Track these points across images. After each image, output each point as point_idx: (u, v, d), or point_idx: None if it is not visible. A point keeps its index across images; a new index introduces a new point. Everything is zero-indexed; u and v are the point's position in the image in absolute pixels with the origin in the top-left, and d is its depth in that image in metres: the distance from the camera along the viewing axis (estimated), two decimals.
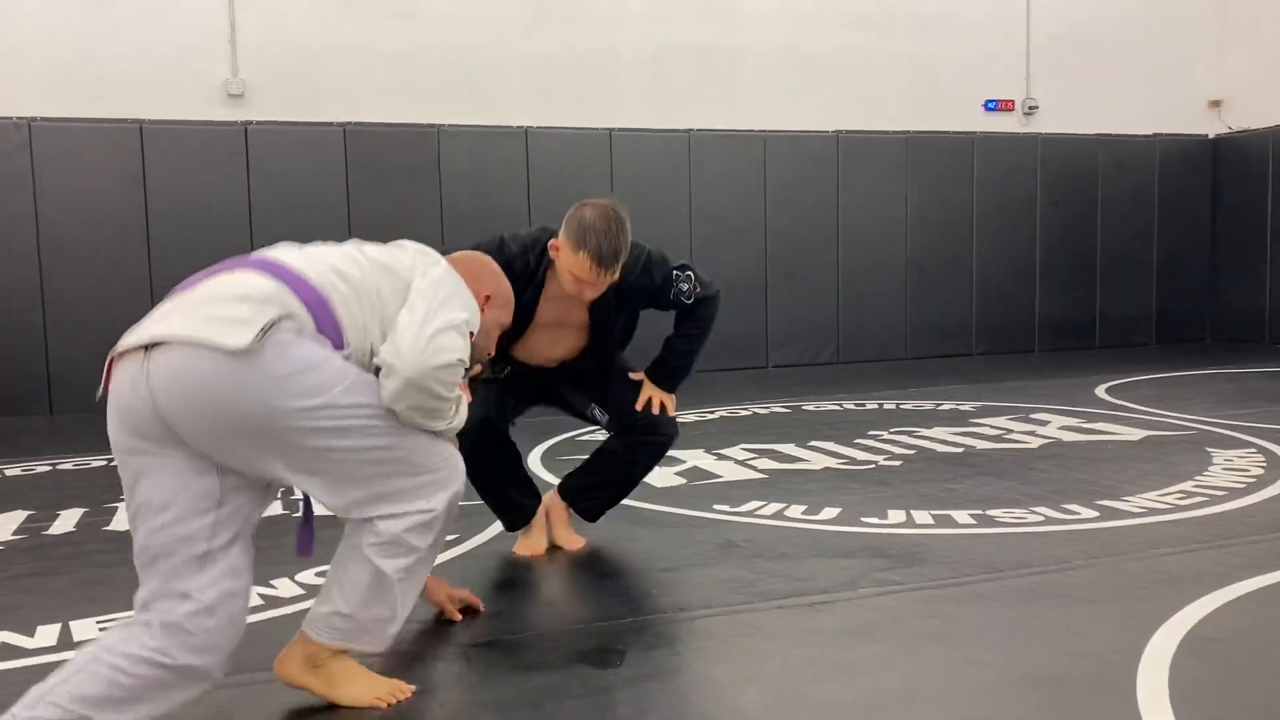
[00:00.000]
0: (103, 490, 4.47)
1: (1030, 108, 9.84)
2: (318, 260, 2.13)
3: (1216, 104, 10.42)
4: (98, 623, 2.75)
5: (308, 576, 3.11)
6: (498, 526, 3.64)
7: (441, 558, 3.26)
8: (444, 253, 2.37)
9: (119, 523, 3.89)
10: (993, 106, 9.75)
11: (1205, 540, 3.25)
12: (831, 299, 9.26)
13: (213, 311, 1.93)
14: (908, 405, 6.46)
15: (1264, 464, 4.37)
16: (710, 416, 6.17)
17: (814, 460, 4.76)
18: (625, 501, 3.97)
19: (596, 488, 3.34)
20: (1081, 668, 2.32)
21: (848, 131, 9.19)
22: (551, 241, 2.93)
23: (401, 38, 8.07)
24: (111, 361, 1.98)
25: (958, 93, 9.59)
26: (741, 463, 4.72)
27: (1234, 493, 3.88)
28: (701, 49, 8.85)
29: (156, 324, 1.95)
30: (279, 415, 1.92)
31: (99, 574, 3.25)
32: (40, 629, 2.73)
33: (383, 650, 2.22)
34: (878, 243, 9.32)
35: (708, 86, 8.89)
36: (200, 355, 1.88)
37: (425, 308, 2.08)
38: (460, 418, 2.19)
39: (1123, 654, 2.35)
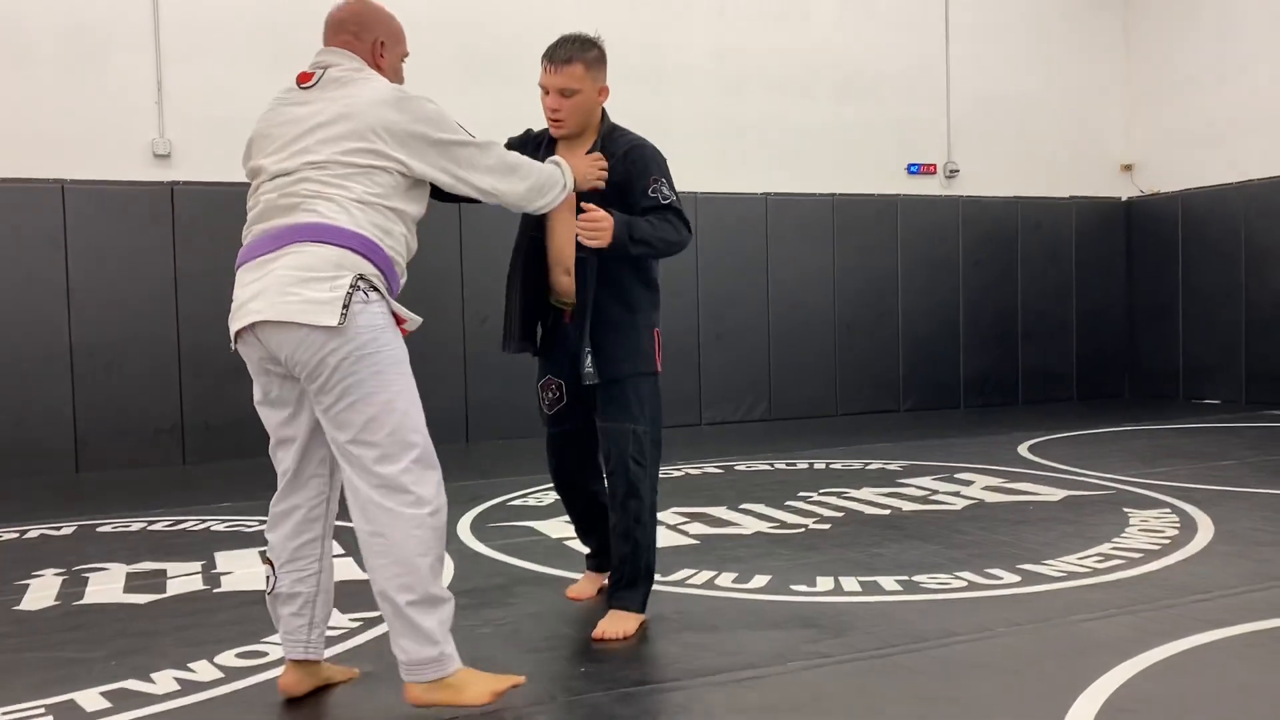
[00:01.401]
0: (12, 566, 4.32)
1: (952, 171, 10.14)
2: (356, 208, 2.46)
3: (1128, 168, 10.85)
4: (1, 713, 2.65)
5: (228, 658, 3.03)
6: None
7: (361, 636, 3.21)
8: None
9: (29, 602, 3.76)
10: (915, 170, 10.02)
11: (1122, 605, 3.33)
12: (763, 357, 9.37)
13: (298, 293, 2.37)
14: (837, 465, 6.53)
15: (1177, 525, 4.50)
16: (674, 474, 6.15)
17: (745, 524, 4.78)
18: (554, 572, 3.96)
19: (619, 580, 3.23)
20: None
21: (776, 194, 9.38)
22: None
23: None
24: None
25: (882, 156, 9.85)
26: (674, 527, 4.72)
27: (1149, 555, 3.99)
28: (631, 113, 8.96)
29: (252, 301, 2.43)
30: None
31: (3, 660, 3.13)
32: None
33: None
34: (807, 301, 9.48)
35: None
36: (302, 331, 2.37)
37: (471, 176, 2.69)
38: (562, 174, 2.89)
39: None
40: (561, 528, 4.75)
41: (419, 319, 2.63)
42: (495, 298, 8.59)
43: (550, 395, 3.37)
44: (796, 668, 2.85)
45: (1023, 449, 7.03)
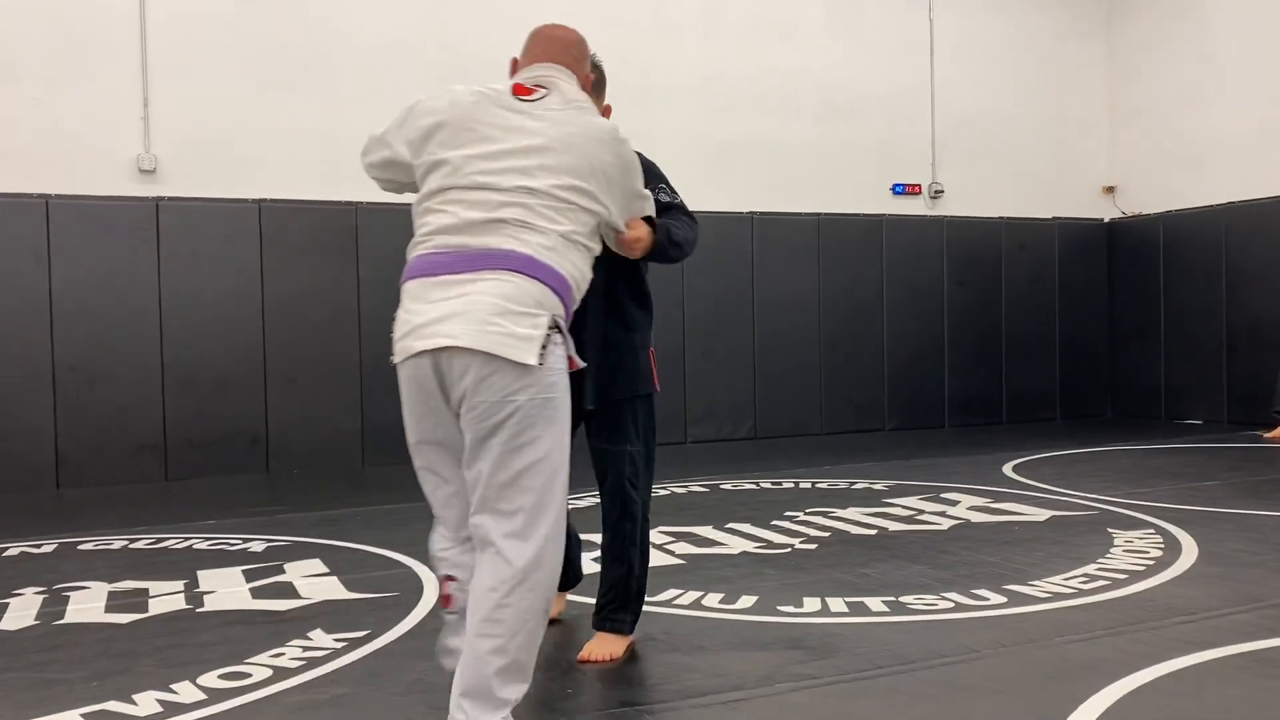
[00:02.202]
0: None
1: (936, 191, 10.21)
2: (562, 245, 2.35)
3: (1110, 190, 10.95)
4: None
5: (210, 679, 3.00)
6: (407, 624, 3.58)
7: (346, 657, 3.19)
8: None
9: (9, 621, 3.71)
10: (900, 190, 10.09)
11: (1107, 627, 3.34)
12: (748, 376, 9.39)
13: (502, 325, 2.23)
14: (823, 484, 6.54)
15: (1161, 545, 4.52)
16: None
17: (731, 544, 4.78)
18: None
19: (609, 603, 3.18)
20: None
21: (761, 213, 9.42)
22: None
23: (320, 114, 8.06)
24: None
25: (867, 176, 9.91)
26: (660, 547, 4.71)
27: (1134, 576, 4.00)
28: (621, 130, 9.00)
29: (445, 324, 2.25)
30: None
31: None
32: None
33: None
34: (792, 320, 9.51)
35: None
36: (497, 364, 2.23)
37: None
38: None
39: None
40: None
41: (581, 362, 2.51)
42: None
43: None
44: (784, 689, 2.84)
45: (1007, 469, 7.05)
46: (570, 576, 3.52)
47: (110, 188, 7.50)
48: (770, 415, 9.41)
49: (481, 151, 2.35)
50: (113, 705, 2.81)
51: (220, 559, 4.70)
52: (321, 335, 7.97)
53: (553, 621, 3.52)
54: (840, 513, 5.49)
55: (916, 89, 10.13)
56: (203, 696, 2.88)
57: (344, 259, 8.04)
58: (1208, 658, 3.02)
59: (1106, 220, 10.92)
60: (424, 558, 4.54)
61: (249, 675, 3.03)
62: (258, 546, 4.97)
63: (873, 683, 2.88)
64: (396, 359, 2.38)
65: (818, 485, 6.51)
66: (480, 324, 2.22)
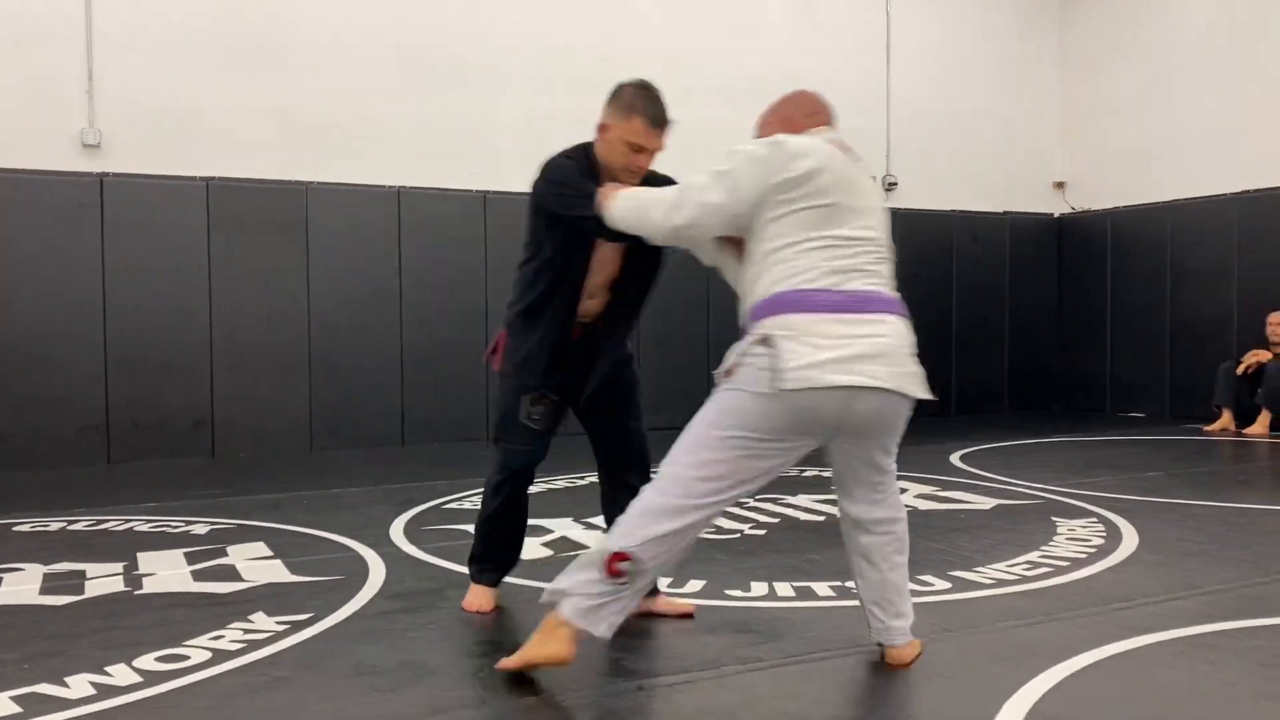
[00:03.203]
0: None
1: (890, 184, 10.28)
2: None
3: (1061, 185, 11.10)
4: None
5: (147, 662, 2.94)
6: (351, 607, 3.53)
7: (287, 640, 3.14)
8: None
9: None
10: None
11: (1049, 612, 3.38)
12: (703, 364, 9.39)
13: (905, 367, 2.62)
14: None
15: (1103, 534, 4.59)
16: (579, 483, 6.14)
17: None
18: None
19: None
20: None
21: None
22: (599, 126, 3.18)
23: (273, 92, 7.93)
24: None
25: None
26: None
27: (1076, 563, 4.06)
28: (581, 119, 8.94)
29: (874, 364, 2.55)
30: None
31: None
32: None
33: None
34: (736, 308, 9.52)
35: None
36: (899, 400, 2.65)
37: None
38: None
39: None
40: None
41: None
42: (431, 301, 8.49)
43: (543, 408, 3.32)
44: (729, 672, 2.85)
45: (955, 458, 7.13)
46: (515, 559, 3.52)
47: (53, 162, 7.31)
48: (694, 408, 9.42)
49: (867, 205, 2.69)
50: (45, 688, 2.74)
51: (161, 541, 4.61)
52: (269, 317, 7.85)
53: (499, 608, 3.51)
54: (790, 499, 5.52)
55: (873, 83, 10.18)
56: (138, 679, 2.82)
57: (293, 240, 7.92)
58: (1145, 642, 3.07)
59: (1057, 215, 11.07)
60: (370, 541, 4.50)
61: (186, 658, 2.98)
62: (200, 529, 4.88)
63: (817, 665, 2.89)
64: (791, 386, 2.50)
65: None
66: (899, 367, 2.60)
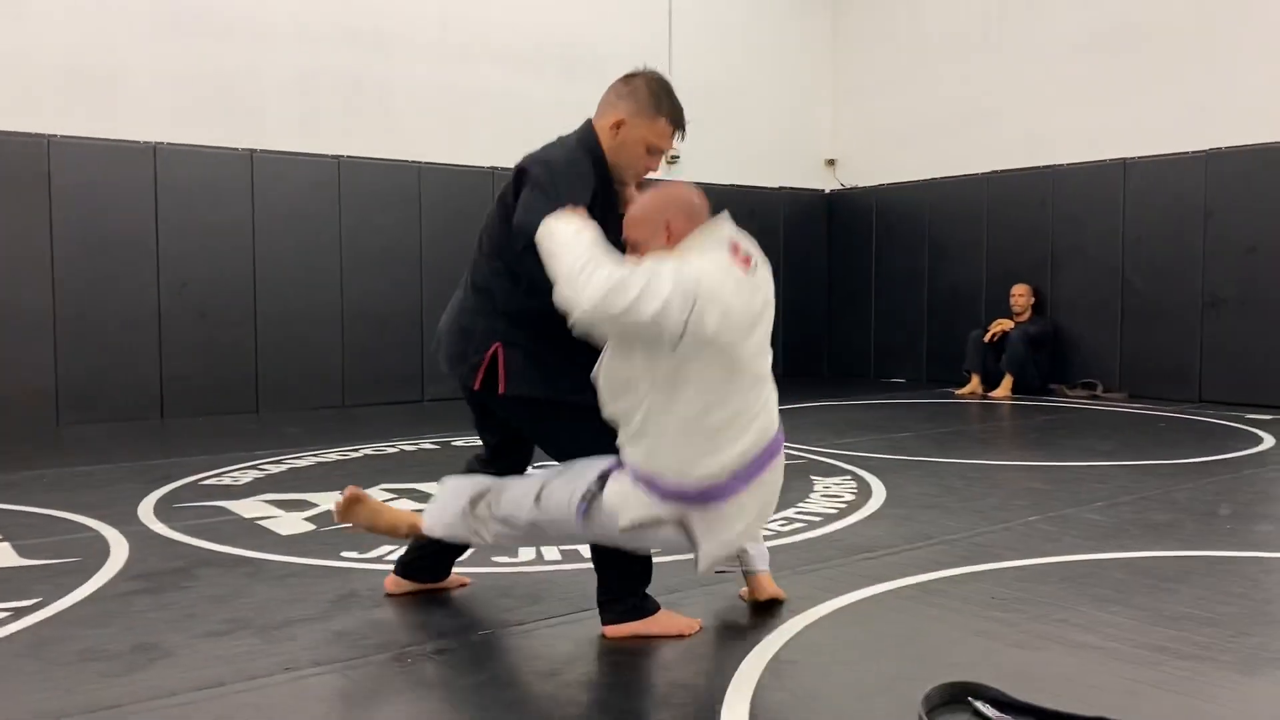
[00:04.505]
0: None
1: (672, 157, 10.47)
2: None
3: (831, 162, 11.63)
4: None
5: None
6: (86, 589, 3.30)
7: (9, 627, 2.90)
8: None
9: None
10: None
11: (798, 565, 3.56)
12: None
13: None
14: None
15: (855, 490, 4.88)
16: (352, 455, 5.97)
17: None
18: (242, 552, 3.75)
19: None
20: (678, 696, 2.45)
21: (503, 168, 9.31)
22: (613, 120, 2.82)
23: (7, 35, 7.22)
24: None
25: None
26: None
27: (828, 518, 4.29)
28: (356, 79, 8.63)
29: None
30: None
31: None
32: None
33: None
34: None
35: (360, 113, 8.67)
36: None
37: None
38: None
39: (714, 681, 2.51)
40: (256, 507, 4.52)
41: None
42: (190, 264, 7.99)
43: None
44: (487, 635, 2.84)
45: None
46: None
47: None
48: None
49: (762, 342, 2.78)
50: None
51: None
52: (8, 283, 7.18)
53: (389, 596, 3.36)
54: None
55: (655, 54, 10.30)
56: None
57: (34, 197, 7.26)
58: (882, 590, 3.28)
59: (827, 191, 11.60)
60: (114, 520, 4.22)
61: None
62: None
63: (572, 626, 2.93)
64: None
65: None
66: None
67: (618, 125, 2.83)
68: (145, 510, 4.46)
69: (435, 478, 5.16)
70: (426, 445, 6.40)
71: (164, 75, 7.80)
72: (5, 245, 7.15)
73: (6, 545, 3.86)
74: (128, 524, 4.19)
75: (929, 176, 10.58)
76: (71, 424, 7.33)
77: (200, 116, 7.92)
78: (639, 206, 2.65)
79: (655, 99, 2.83)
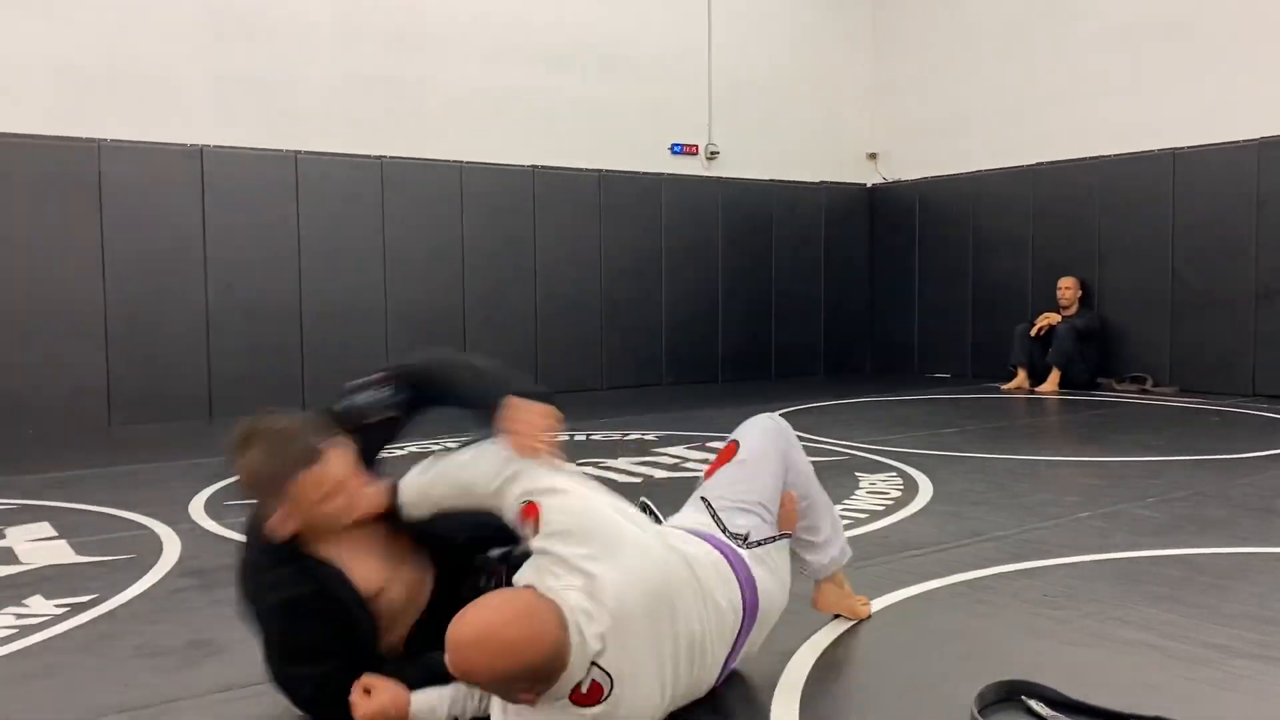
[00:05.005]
0: None
1: (712, 152, 10.44)
2: None
3: (873, 156, 11.52)
4: None
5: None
6: (139, 587, 3.35)
7: (66, 623, 2.95)
8: None
9: None
10: (679, 150, 10.25)
11: (846, 562, 3.53)
12: (529, 330, 9.35)
13: None
14: (597, 436, 6.61)
15: (901, 487, 4.83)
16: (397, 452, 6.00)
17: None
18: None
19: None
20: (727, 694, 2.44)
21: (543, 166, 9.34)
22: (276, 520, 2.15)
23: (58, 41, 7.35)
24: None
25: (646, 135, 10.01)
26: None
27: (874, 515, 4.26)
28: (391, 77, 8.69)
29: None
30: None
31: None
32: None
33: None
34: (574, 276, 9.53)
35: (401, 114, 8.74)
36: None
37: None
38: None
39: (764, 677, 2.49)
40: None
41: None
42: (236, 265, 8.11)
43: None
44: None
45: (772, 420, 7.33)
46: None
47: None
48: (550, 370, 9.39)
49: None
50: None
51: None
52: (61, 285, 7.32)
53: None
54: (610, 463, 5.57)
55: (695, 49, 10.28)
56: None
57: (86, 200, 7.39)
58: (931, 587, 3.25)
59: (869, 185, 11.50)
60: (167, 518, 4.28)
61: None
62: None
63: None
64: None
65: (592, 438, 6.57)
66: None
67: (286, 519, 2.16)
68: (196, 507, 4.52)
69: None
70: (454, 444, 6.42)
71: (210, 79, 7.91)
72: (58, 248, 7.28)
73: (63, 543, 3.93)
74: (180, 521, 4.25)
75: (973, 169, 10.45)
76: (123, 423, 7.46)
77: (245, 119, 8.02)
78: (469, 661, 1.88)
79: (271, 471, 2.14)
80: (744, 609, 2.30)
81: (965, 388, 9.53)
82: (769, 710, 2.31)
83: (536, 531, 2.08)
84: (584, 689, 1.96)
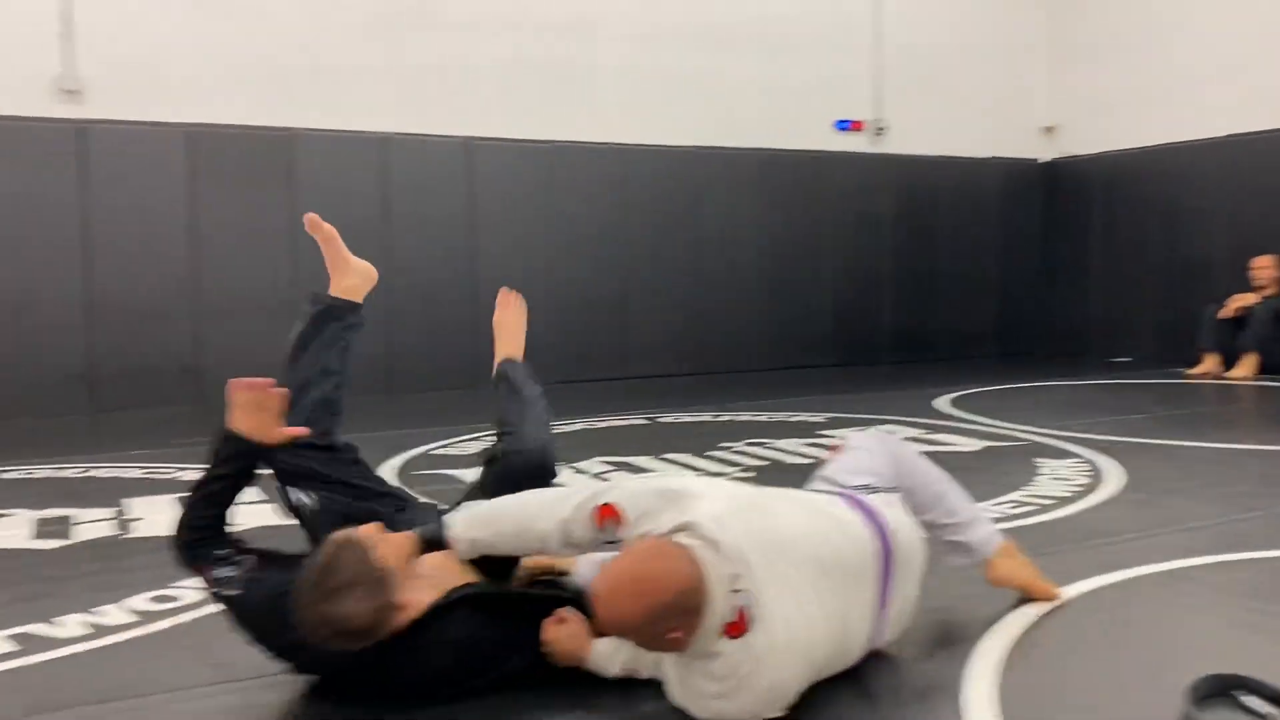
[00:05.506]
0: None
1: (879, 129, 10.21)
2: None
3: (1049, 130, 11.03)
4: None
5: (138, 602, 2.96)
6: None
7: None
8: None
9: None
10: (844, 126, 10.07)
11: (1031, 549, 3.39)
12: (690, 311, 9.39)
13: None
14: (761, 417, 6.60)
15: (1087, 473, 4.64)
16: (568, 429, 6.16)
17: (668, 473, 4.80)
18: None
19: None
20: (911, 676, 2.41)
21: (704, 148, 9.35)
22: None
23: (254, 37, 7.80)
24: None
25: (811, 112, 9.87)
26: (597, 476, 4.73)
27: (1060, 502, 4.11)
28: (554, 61, 8.85)
29: None
30: None
31: None
32: None
33: None
34: (735, 256, 9.52)
35: (568, 99, 8.90)
36: None
37: None
38: None
39: (951, 662, 2.45)
40: None
41: None
42: (415, 248, 8.44)
43: None
44: None
45: (941, 403, 7.17)
46: None
47: (30, 108, 7.20)
48: (711, 351, 9.44)
49: None
50: (36, 628, 2.77)
51: (149, 488, 4.62)
52: (254, 264, 7.79)
53: None
54: (777, 443, 5.55)
55: (860, 22, 10.07)
56: (130, 619, 2.84)
57: (279, 187, 7.83)
58: (1126, 576, 3.11)
59: (1044, 160, 11.02)
60: None
61: (177, 599, 3.00)
62: (189, 475, 4.87)
63: None
64: None
65: (756, 418, 6.56)
66: None
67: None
68: (388, 475, 4.74)
69: (647, 452, 5.30)
70: (635, 420, 6.53)
71: (391, 69, 8.24)
72: (253, 234, 7.75)
73: (269, 506, 4.19)
74: None
75: (1160, 142, 9.87)
76: None
77: (423, 108, 8.32)
78: (615, 608, 2.01)
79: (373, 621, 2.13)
80: (878, 541, 2.29)
81: (1148, 372, 9.04)
82: (960, 692, 2.28)
83: (621, 526, 2.17)
84: (731, 619, 2.01)
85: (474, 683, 2.28)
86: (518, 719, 2.23)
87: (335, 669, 2.26)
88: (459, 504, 2.57)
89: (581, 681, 2.30)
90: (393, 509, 2.56)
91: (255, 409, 2.36)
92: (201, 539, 2.28)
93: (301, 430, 2.47)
